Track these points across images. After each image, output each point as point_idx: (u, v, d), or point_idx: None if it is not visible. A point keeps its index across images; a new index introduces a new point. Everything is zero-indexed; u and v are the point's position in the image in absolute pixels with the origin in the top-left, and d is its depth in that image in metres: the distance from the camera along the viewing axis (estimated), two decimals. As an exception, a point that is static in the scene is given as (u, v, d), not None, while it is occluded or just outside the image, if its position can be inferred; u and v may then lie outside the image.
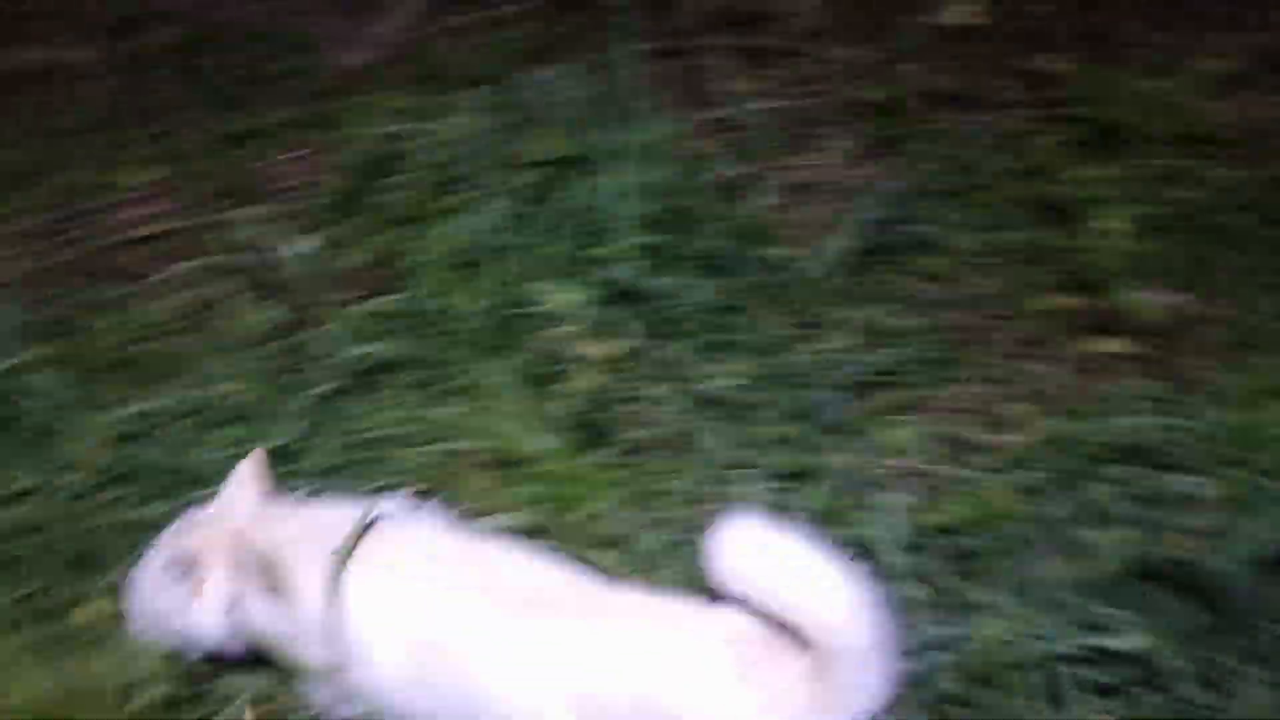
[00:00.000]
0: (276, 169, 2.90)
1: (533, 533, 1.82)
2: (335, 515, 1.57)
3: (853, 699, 1.25)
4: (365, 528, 1.49)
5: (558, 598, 1.42)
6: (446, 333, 2.29)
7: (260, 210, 2.65)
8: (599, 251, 2.37)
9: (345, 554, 1.46)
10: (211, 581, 1.58)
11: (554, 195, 2.51)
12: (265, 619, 1.56)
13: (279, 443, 2.00)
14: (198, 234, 2.67)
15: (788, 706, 1.27)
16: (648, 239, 2.39)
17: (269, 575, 1.52)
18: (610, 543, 1.84)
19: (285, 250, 2.52)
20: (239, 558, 1.56)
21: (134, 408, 2.17)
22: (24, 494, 2.02)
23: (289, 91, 3.09)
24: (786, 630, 1.28)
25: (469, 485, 1.99)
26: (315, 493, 1.81)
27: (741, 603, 1.31)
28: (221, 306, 2.41)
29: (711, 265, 2.40)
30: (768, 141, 2.74)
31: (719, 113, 2.81)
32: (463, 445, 2.05)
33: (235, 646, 1.63)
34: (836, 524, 1.80)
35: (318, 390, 2.17)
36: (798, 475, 1.97)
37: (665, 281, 2.33)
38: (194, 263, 2.55)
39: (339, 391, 2.18)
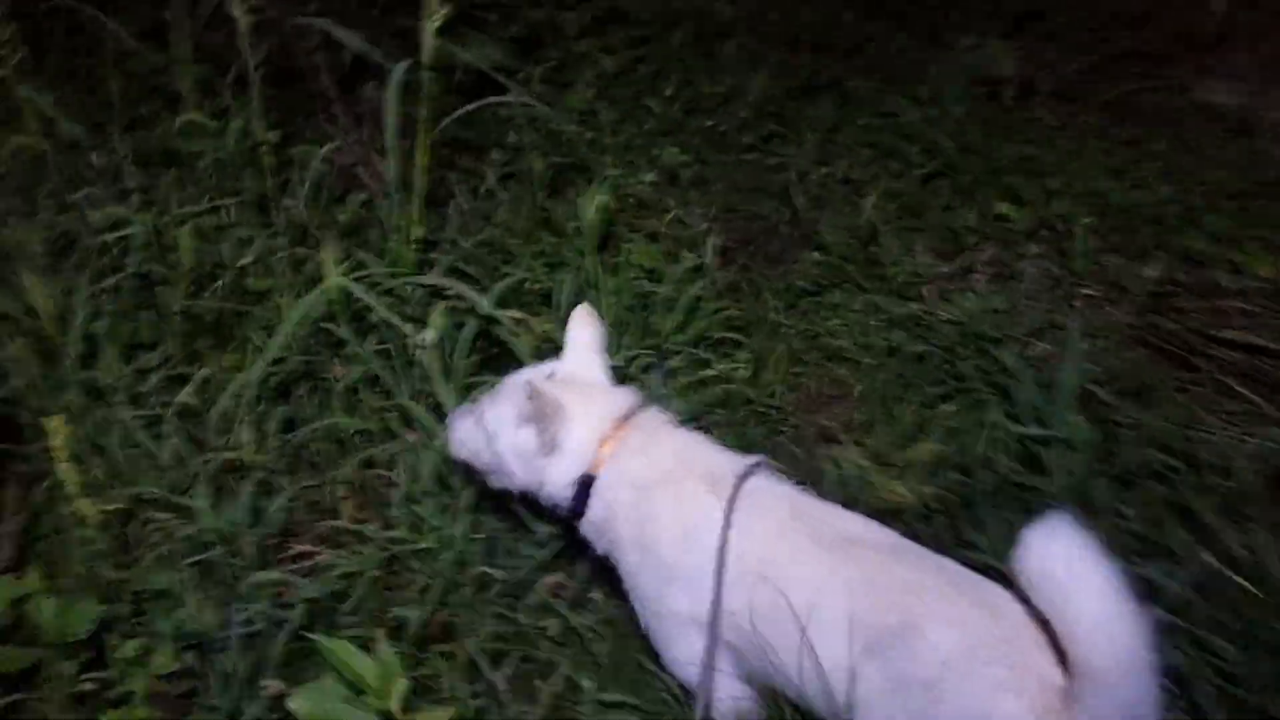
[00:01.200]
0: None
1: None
2: (709, 453, 1.66)
3: None
4: (744, 476, 1.59)
5: (867, 547, 1.49)
6: None
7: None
8: None
9: (731, 498, 1.56)
10: (572, 441, 1.66)
11: None
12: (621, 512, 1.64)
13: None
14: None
15: (1050, 717, 1.26)
16: None
17: (641, 488, 1.62)
18: None
19: None
20: (618, 448, 1.65)
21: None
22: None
23: None
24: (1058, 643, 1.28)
25: None
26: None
27: (1028, 602, 1.32)
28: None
29: None
30: None
31: None
32: None
33: (565, 505, 1.69)
34: None
35: None
36: None
37: None
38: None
39: None
